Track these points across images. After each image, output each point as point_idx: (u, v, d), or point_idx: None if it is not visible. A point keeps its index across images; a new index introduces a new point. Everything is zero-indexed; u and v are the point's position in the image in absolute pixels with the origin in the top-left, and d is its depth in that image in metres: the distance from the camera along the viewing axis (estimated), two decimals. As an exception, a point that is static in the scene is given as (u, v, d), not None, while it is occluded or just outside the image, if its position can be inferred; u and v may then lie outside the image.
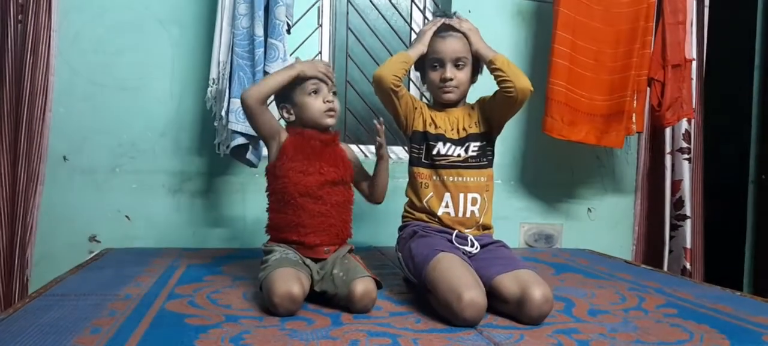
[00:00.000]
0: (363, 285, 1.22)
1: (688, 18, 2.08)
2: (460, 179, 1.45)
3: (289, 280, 1.19)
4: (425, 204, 1.45)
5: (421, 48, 1.46)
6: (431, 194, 1.45)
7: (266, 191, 1.42)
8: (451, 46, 1.44)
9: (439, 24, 1.48)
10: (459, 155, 1.45)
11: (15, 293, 1.79)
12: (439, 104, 1.52)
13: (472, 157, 1.46)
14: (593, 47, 2.01)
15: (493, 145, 1.52)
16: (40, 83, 1.80)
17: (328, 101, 1.38)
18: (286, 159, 1.36)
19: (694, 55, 2.20)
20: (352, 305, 1.22)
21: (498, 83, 1.42)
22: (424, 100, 2.15)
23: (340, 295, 1.25)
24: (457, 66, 1.46)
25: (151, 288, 1.36)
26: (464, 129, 1.47)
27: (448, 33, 1.45)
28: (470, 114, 1.50)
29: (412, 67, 1.49)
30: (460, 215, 1.44)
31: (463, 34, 1.45)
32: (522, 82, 1.39)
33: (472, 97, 1.54)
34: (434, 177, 1.46)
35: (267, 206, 1.42)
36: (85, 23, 1.90)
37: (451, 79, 1.45)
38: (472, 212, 1.45)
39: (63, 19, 1.86)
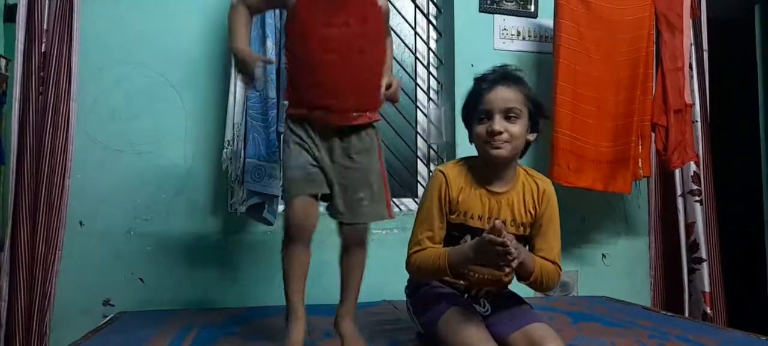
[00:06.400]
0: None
1: (686, 64, 2.12)
2: (480, 276, 1.32)
3: (305, 213, 1.23)
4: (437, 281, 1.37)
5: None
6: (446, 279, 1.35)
7: (284, 47, 1.31)
8: (501, 94, 1.25)
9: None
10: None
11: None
12: (484, 172, 1.32)
13: None
14: (595, 95, 2.05)
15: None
16: (59, 151, 1.85)
17: None
18: (303, 11, 1.21)
19: (698, 99, 2.23)
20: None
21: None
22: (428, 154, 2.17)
23: (337, 207, 1.28)
24: (508, 118, 1.26)
25: (166, 352, 1.35)
26: (513, 219, 1.31)
27: (495, 81, 1.28)
28: (523, 199, 1.31)
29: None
30: (473, 295, 1.37)
31: (509, 254, 1.13)
32: (545, 292, 1.38)
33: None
34: None
35: (285, 64, 1.31)
36: (102, 92, 1.97)
37: (501, 133, 1.24)
38: (484, 301, 1.37)
39: (81, 88, 1.93)
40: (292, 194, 1.25)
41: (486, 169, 1.31)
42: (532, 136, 1.32)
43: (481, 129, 1.28)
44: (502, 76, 1.29)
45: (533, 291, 2.09)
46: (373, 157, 1.32)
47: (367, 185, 1.30)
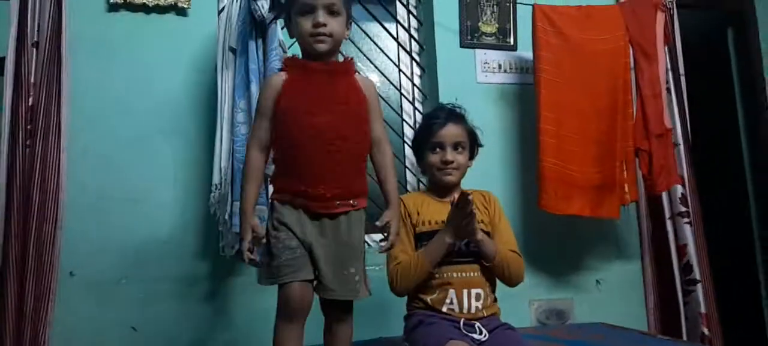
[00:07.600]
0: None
1: (663, 89, 2.17)
2: (462, 274, 1.44)
3: (304, 295, 1.20)
4: (429, 301, 1.43)
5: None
6: (435, 293, 1.43)
7: (272, 146, 1.28)
8: (451, 130, 1.51)
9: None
10: (459, 249, 1.45)
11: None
12: (437, 192, 1.54)
13: (474, 252, 1.45)
14: (577, 123, 2.08)
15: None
16: (50, 202, 1.84)
17: (318, 24, 1.20)
18: (286, 99, 1.21)
19: (678, 123, 2.27)
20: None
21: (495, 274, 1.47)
22: (421, 186, 2.20)
23: (327, 283, 1.23)
24: (456, 149, 1.51)
25: (156, 402, 1.33)
26: None
27: (446, 119, 1.52)
28: (476, 206, 1.46)
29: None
30: (465, 311, 1.42)
31: (480, 240, 1.42)
32: (516, 281, 1.48)
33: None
34: (436, 275, 1.44)
35: (272, 156, 1.29)
36: (93, 141, 1.98)
37: (452, 162, 1.50)
38: (477, 307, 1.43)
39: (72, 138, 1.94)
40: (288, 280, 1.21)
41: (437, 190, 1.56)
42: (470, 163, 1.58)
43: (435, 159, 1.51)
44: (450, 114, 1.54)
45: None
46: (362, 232, 1.29)
47: (356, 259, 1.27)
